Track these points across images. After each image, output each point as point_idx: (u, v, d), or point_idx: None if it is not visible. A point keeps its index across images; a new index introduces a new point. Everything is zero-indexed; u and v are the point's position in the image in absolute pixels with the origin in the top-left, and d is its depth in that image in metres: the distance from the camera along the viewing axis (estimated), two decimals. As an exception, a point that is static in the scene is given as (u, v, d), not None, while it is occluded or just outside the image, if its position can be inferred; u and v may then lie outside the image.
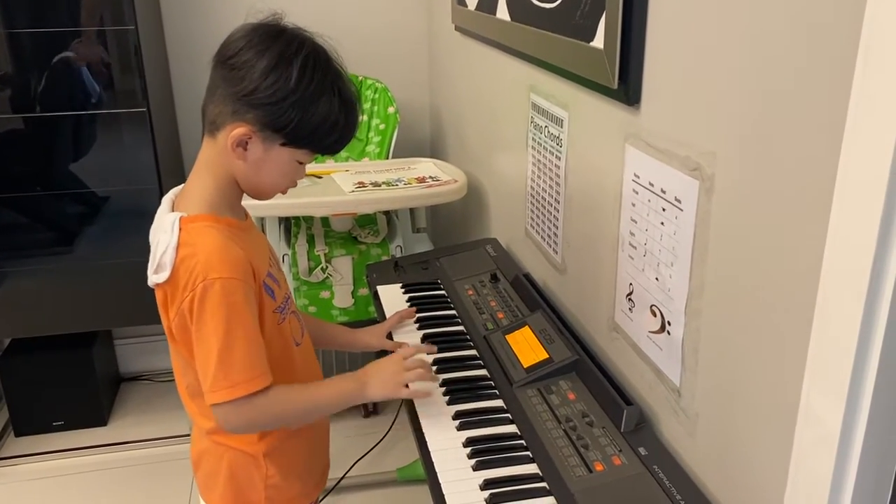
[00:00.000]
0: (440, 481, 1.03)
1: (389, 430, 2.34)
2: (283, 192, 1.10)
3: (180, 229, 1.00)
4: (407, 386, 1.17)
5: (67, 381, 2.38)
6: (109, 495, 2.17)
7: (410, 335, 1.43)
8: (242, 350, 1.00)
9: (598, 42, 1.15)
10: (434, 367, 1.31)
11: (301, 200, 1.88)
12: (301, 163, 1.06)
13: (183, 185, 1.09)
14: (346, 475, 2.16)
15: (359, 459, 2.22)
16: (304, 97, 0.99)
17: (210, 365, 0.99)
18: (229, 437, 1.12)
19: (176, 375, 1.14)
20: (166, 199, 1.08)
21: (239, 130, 1.00)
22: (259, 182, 1.06)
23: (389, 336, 1.42)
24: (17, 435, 2.39)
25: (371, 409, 2.48)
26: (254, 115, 0.99)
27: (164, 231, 1.00)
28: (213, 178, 1.05)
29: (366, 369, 1.16)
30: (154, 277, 1.01)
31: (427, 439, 1.12)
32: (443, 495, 1.01)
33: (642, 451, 1.04)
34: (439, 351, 1.36)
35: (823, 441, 0.75)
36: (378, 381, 1.14)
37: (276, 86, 0.98)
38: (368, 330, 1.41)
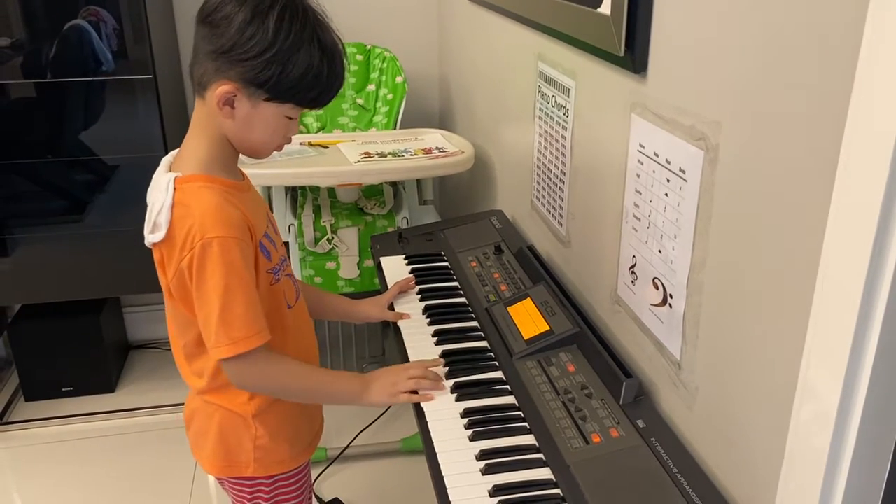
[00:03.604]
0: (436, 451, 1.03)
1: (394, 401, 2.35)
2: (279, 150, 1.09)
3: (175, 189, 1.01)
4: (415, 392, 1.15)
5: (76, 347, 2.40)
6: (117, 461, 2.20)
7: (412, 307, 1.42)
8: (242, 307, 1.01)
9: (605, 8, 1.12)
10: (435, 339, 1.31)
11: (306, 170, 1.87)
12: (290, 118, 1.05)
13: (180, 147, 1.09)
14: (351, 444, 2.17)
15: (364, 429, 2.23)
16: (283, 50, 0.97)
17: (212, 322, 1.01)
18: (220, 396, 1.14)
19: (171, 337, 1.15)
20: (164, 161, 1.08)
21: (223, 88, 0.99)
22: (250, 140, 1.05)
23: (391, 307, 1.42)
24: (27, 400, 2.42)
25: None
26: (235, 71, 0.98)
27: (160, 191, 1.01)
28: (206, 138, 1.05)
29: (371, 374, 1.17)
30: (150, 237, 1.02)
31: (424, 409, 1.12)
32: (439, 465, 1.00)
33: (640, 423, 1.04)
34: (441, 322, 1.36)
35: (821, 417, 0.74)
36: (377, 387, 1.15)
37: (253, 40, 0.96)
38: (369, 301, 1.41)
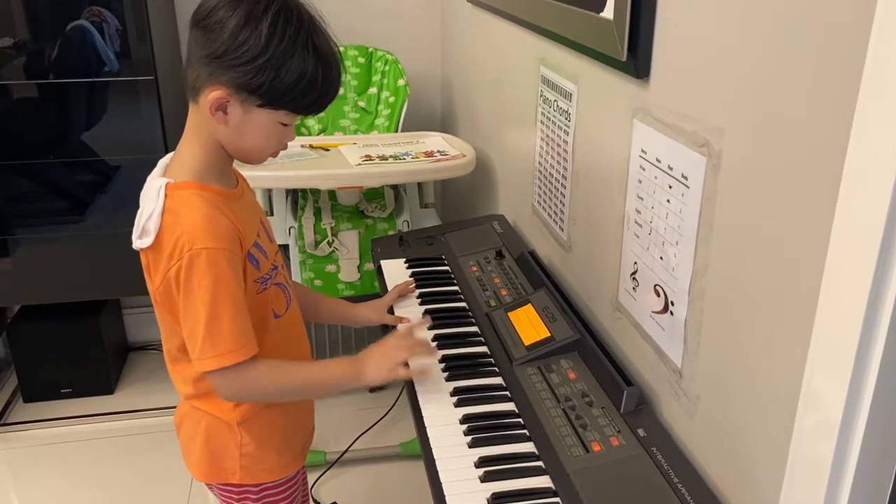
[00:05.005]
0: (435, 457, 1.02)
1: (394, 404, 2.35)
2: (274, 155, 1.08)
3: (166, 196, 0.99)
4: (406, 365, 1.15)
5: (75, 348, 2.40)
6: (115, 462, 2.19)
7: (412, 311, 1.41)
8: (229, 320, 1.00)
9: (608, 13, 1.11)
10: (434, 343, 1.30)
11: (306, 173, 1.86)
12: (285, 124, 1.04)
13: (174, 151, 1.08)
14: (350, 448, 2.17)
15: (363, 433, 2.22)
16: (276, 56, 0.95)
17: (198, 334, 0.99)
18: (206, 402, 1.13)
19: (162, 342, 1.14)
20: (159, 165, 1.07)
21: (216, 94, 0.97)
22: (244, 146, 1.04)
23: (391, 311, 1.41)
24: (26, 401, 2.42)
25: (377, 385, 2.48)
26: (228, 77, 0.97)
27: (150, 197, 1.00)
28: (200, 144, 1.03)
29: (362, 354, 1.15)
30: (138, 242, 1.01)
31: (424, 415, 1.11)
32: (437, 472, 1.00)
33: (641, 432, 1.03)
34: (440, 327, 1.35)
35: (824, 425, 0.73)
36: (373, 364, 1.13)
37: (245, 46, 0.94)
38: (369, 304, 1.40)
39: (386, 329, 1.41)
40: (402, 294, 1.45)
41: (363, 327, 2.30)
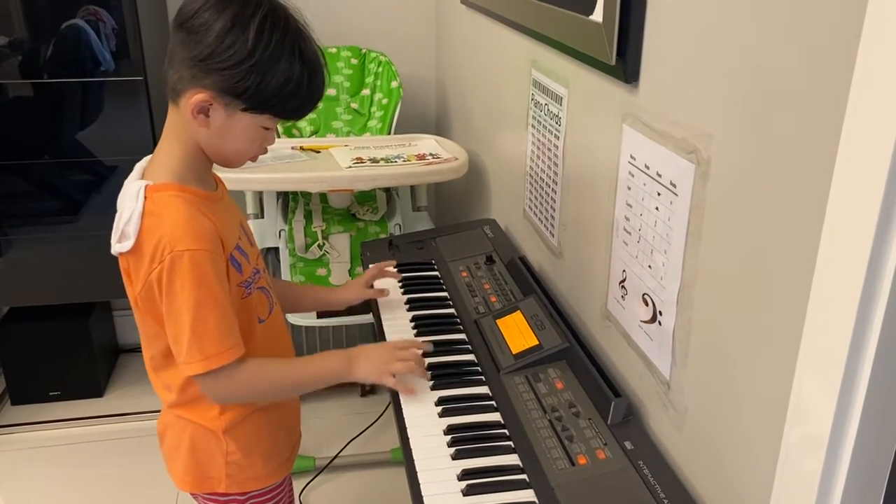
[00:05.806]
0: (417, 469, 1.00)
1: (385, 410, 2.32)
2: (253, 160, 1.07)
3: (145, 198, 0.97)
4: (394, 376, 1.13)
5: (65, 351, 2.37)
6: (104, 466, 2.17)
7: (401, 317, 1.39)
8: (214, 322, 0.98)
9: (598, 16, 1.09)
10: (422, 351, 1.27)
11: (297, 175, 1.84)
12: (267, 128, 1.02)
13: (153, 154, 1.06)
14: (340, 454, 2.14)
15: (353, 438, 2.20)
16: (262, 60, 0.94)
17: (183, 337, 0.98)
18: (191, 411, 1.11)
19: (142, 348, 1.12)
20: (137, 167, 1.06)
21: (198, 97, 0.96)
22: (224, 150, 1.02)
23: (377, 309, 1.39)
24: (14, 403, 2.39)
25: (368, 389, 2.46)
26: (211, 80, 0.95)
27: (129, 200, 0.98)
28: (179, 146, 1.02)
29: (357, 348, 1.14)
30: (117, 246, 0.99)
31: (407, 424, 1.09)
32: (419, 484, 0.97)
33: (628, 444, 1.01)
34: (428, 334, 1.32)
35: (813, 438, 0.71)
36: (367, 362, 1.12)
37: (231, 49, 0.93)
38: (347, 285, 1.39)
39: (367, 304, 1.39)
40: (382, 271, 1.42)
41: (356, 333, 2.31)
